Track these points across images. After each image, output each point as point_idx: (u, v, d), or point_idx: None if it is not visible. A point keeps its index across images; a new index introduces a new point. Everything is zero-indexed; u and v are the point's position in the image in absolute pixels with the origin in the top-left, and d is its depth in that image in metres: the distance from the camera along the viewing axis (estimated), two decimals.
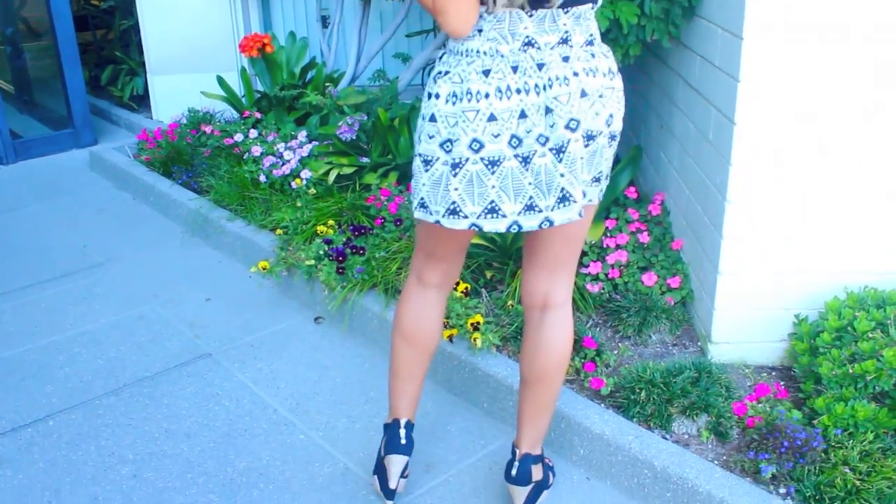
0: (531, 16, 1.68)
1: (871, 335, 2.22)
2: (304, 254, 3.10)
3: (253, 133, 4.04)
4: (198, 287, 3.40)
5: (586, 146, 1.76)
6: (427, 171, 1.76)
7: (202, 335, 3.04)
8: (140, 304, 3.27)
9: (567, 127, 1.71)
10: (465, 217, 1.75)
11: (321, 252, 3.06)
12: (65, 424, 2.55)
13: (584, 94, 1.72)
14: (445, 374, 2.66)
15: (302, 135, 3.88)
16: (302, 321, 3.12)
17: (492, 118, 1.69)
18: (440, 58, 1.81)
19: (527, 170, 1.72)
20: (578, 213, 1.76)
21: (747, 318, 2.52)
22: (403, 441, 2.09)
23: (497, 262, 2.97)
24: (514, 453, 2.08)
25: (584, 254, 2.89)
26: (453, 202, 1.74)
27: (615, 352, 2.59)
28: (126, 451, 2.43)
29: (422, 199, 1.79)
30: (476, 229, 1.77)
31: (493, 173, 1.71)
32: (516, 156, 1.71)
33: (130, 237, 3.89)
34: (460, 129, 1.70)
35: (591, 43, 1.76)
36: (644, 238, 2.86)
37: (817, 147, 2.32)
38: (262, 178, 3.72)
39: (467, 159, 1.71)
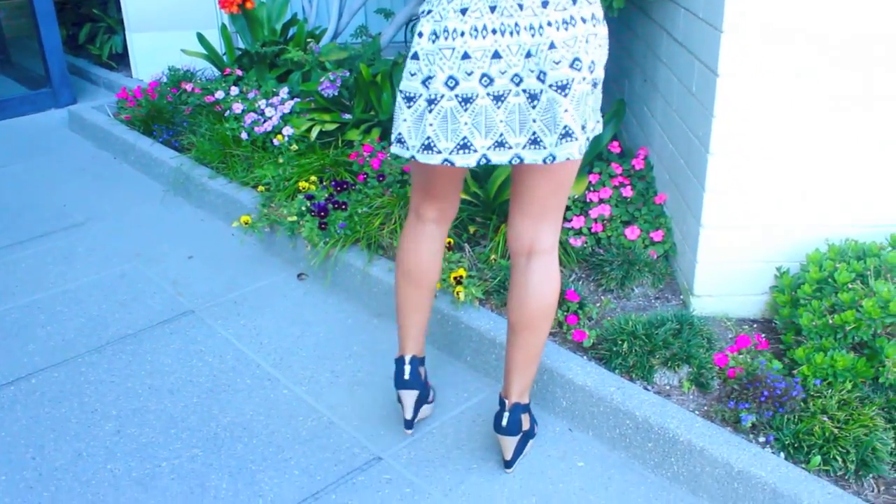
0: None
1: (850, 286, 2.23)
2: (287, 210, 3.08)
3: (234, 90, 3.99)
4: (180, 245, 3.38)
5: (564, 95, 1.76)
6: (410, 107, 1.81)
7: (185, 292, 3.02)
8: (122, 262, 3.25)
9: (538, 77, 1.74)
10: (439, 152, 1.79)
11: (303, 208, 3.04)
12: (47, 382, 2.55)
13: (552, 46, 1.72)
14: (429, 329, 2.66)
15: (283, 91, 3.84)
16: (285, 278, 3.11)
17: (465, 56, 1.73)
18: None
19: (499, 108, 1.76)
20: (545, 158, 1.79)
21: (729, 271, 2.53)
22: (406, 377, 2.15)
23: (480, 216, 2.96)
24: (502, 404, 2.08)
25: (567, 208, 2.89)
26: (428, 137, 1.79)
27: (598, 305, 2.60)
28: (109, 408, 2.43)
29: (399, 134, 1.84)
30: (448, 164, 1.80)
31: (465, 110, 1.76)
32: (489, 94, 1.75)
33: (111, 196, 3.86)
34: (437, 66, 1.75)
35: None
36: (627, 192, 2.85)
37: (801, 100, 2.32)
38: (244, 135, 3.68)
39: (443, 96, 1.75)
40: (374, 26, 5.10)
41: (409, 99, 1.82)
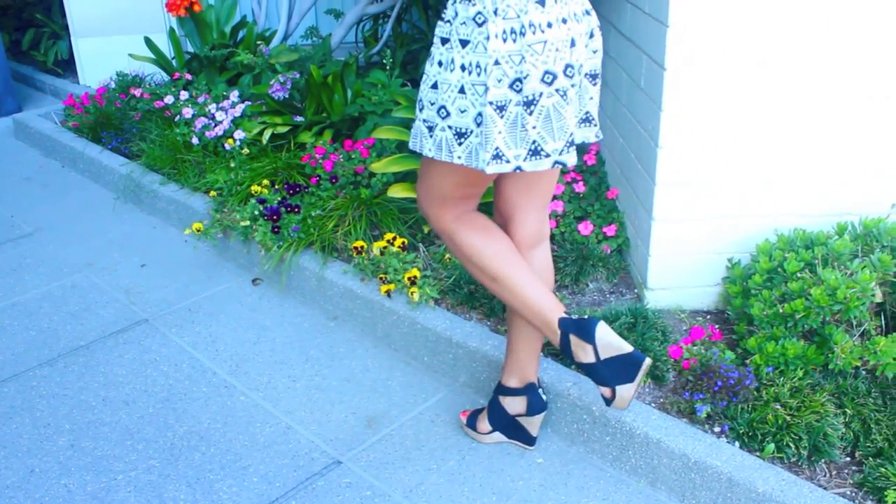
0: None
1: (799, 275, 2.26)
2: (240, 215, 3.05)
3: (184, 95, 3.94)
4: (132, 253, 3.33)
5: (594, 84, 1.88)
6: (503, 116, 1.70)
7: (138, 301, 2.98)
8: (72, 272, 3.20)
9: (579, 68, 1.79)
10: (548, 155, 1.74)
11: (256, 212, 3.02)
12: None
13: (592, 34, 1.82)
14: (385, 330, 2.66)
15: (234, 95, 3.80)
16: (239, 283, 3.08)
17: (556, 48, 1.70)
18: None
19: (567, 102, 1.76)
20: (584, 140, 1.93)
21: (682, 263, 2.56)
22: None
23: None
24: (532, 388, 2.17)
25: None
26: (534, 142, 1.73)
27: None
28: (62, 422, 2.39)
29: (497, 149, 1.72)
30: (560, 165, 1.78)
31: (567, 103, 1.75)
32: (573, 85, 1.77)
33: (60, 205, 3.79)
34: (529, 64, 1.67)
35: None
36: (580, 188, 2.87)
37: (747, 92, 2.35)
38: (195, 140, 3.64)
39: (542, 94, 1.70)
40: (324, 27, 5.08)
41: (501, 108, 1.70)
